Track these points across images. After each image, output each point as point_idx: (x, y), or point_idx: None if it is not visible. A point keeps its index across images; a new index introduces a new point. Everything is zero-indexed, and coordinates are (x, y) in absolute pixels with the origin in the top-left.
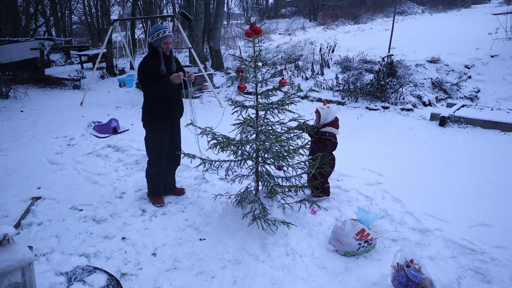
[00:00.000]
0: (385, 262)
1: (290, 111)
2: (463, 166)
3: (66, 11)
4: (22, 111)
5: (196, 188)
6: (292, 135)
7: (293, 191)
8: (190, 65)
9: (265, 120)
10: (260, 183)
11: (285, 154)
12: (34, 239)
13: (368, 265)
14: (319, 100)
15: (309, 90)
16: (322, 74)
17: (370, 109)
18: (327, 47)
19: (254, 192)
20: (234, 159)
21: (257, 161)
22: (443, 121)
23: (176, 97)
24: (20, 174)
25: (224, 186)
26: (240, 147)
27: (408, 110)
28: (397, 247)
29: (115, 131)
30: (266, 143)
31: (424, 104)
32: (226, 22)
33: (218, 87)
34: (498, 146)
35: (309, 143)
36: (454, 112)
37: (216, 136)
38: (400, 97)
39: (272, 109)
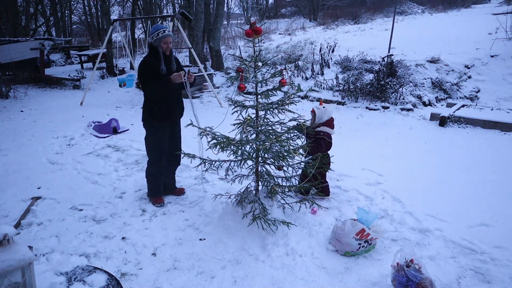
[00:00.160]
0: (385, 262)
1: (290, 111)
2: (463, 166)
3: (66, 11)
4: (22, 111)
5: (197, 188)
6: (292, 135)
7: (293, 191)
8: (190, 65)
9: (265, 120)
10: (260, 183)
11: (285, 154)
12: (34, 239)
13: (368, 265)
14: (319, 100)
15: (309, 90)
16: (322, 74)
17: (370, 109)
18: (327, 47)
19: (254, 192)
20: (234, 159)
21: (257, 161)
22: (443, 121)
23: (176, 97)
24: (20, 174)
25: (224, 186)
26: (240, 147)
27: (408, 110)
28: (397, 247)
29: (115, 131)
30: (266, 143)
31: (424, 104)
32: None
33: (218, 87)
34: (498, 146)
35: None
36: (454, 112)
37: (216, 136)
38: (400, 97)
39: (272, 109)
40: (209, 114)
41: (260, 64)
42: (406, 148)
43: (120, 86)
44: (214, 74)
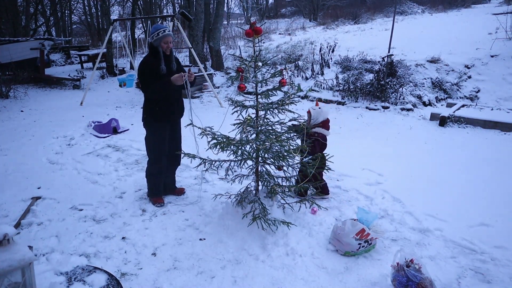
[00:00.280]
0: (385, 262)
1: (290, 111)
2: (463, 166)
3: (66, 11)
4: (22, 111)
5: (197, 188)
6: (292, 135)
7: (292, 191)
8: (190, 65)
9: (265, 120)
10: (260, 183)
11: (285, 154)
12: (34, 239)
13: (368, 265)
14: (319, 100)
15: (309, 90)
16: (322, 74)
17: (370, 109)
18: (327, 47)
19: (254, 192)
20: (234, 159)
21: (257, 161)
22: (443, 121)
23: (176, 97)
24: (20, 174)
25: (224, 186)
26: (240, 147)
27: (408, 110)
28: (397, 247)
29: (115, 131)
30: (266, 143)
31: (424, 104)
32: (226, 22)
33: (218, 87)
34: (498, 146)
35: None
36: (454, 112)
37: (216, 136)
38: (400, 97)
39: (272, 109)
40: (209, 114)
41: (260, 64)
42: (406, 148)
43: (120, 86)
44: (214, 74)
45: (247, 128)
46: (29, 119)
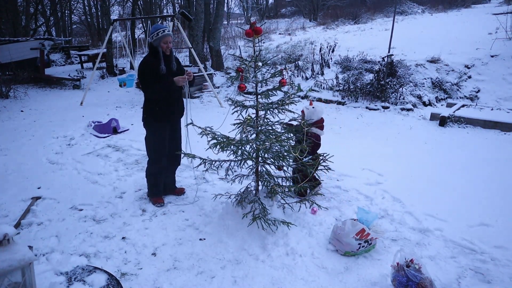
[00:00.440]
0: (385, 262)
1: (290, 111)
2: (463, 166)
3: (66, 11)
4: (22, 111)
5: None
6: (292, 134)
7: (292, 191)
8: (190, 65)
9: (265, 120)
10: (260, 183)
11: (285, 154)
12: (34, 239)
13: (368, 265)
14: (319, 100)
15: (309, 90)
16: (322, 74)
17: (370, 109)
18: (327, 47)
19: (254, 192)
20: (234, 159)
21: (257, 161)
22: (443, 121)
23: (176, 97)
24: (20, 174)
25: (224, 186)
26: (240, 147)
27: (408, 110)
28: (397, 247)
29: (115, 131)
30: (266, 143)
31: (424, 104)
32: (226, 22)
33: (218, 87)
34: (498, 146)
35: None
36: (454, 112)
37: (216, 136)
38: (400, 97)
39: (272, 109)
40: (209, 114)
41: (260, 64)
42: (406, 148)
43: (120, 86)
44: (214, 74)
45: (247, 128)
46: (29, 119)
